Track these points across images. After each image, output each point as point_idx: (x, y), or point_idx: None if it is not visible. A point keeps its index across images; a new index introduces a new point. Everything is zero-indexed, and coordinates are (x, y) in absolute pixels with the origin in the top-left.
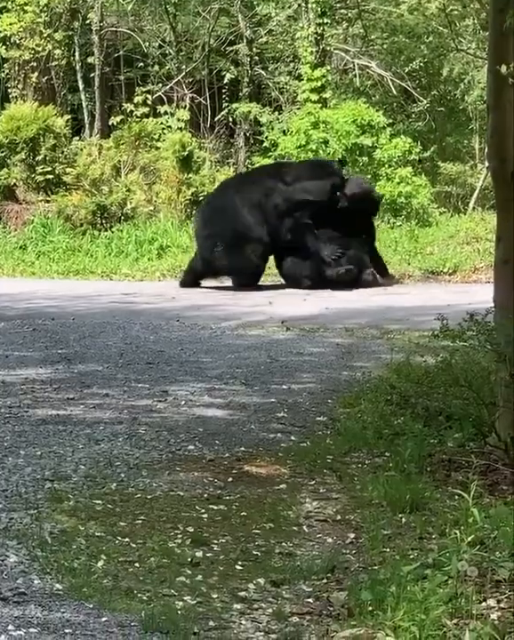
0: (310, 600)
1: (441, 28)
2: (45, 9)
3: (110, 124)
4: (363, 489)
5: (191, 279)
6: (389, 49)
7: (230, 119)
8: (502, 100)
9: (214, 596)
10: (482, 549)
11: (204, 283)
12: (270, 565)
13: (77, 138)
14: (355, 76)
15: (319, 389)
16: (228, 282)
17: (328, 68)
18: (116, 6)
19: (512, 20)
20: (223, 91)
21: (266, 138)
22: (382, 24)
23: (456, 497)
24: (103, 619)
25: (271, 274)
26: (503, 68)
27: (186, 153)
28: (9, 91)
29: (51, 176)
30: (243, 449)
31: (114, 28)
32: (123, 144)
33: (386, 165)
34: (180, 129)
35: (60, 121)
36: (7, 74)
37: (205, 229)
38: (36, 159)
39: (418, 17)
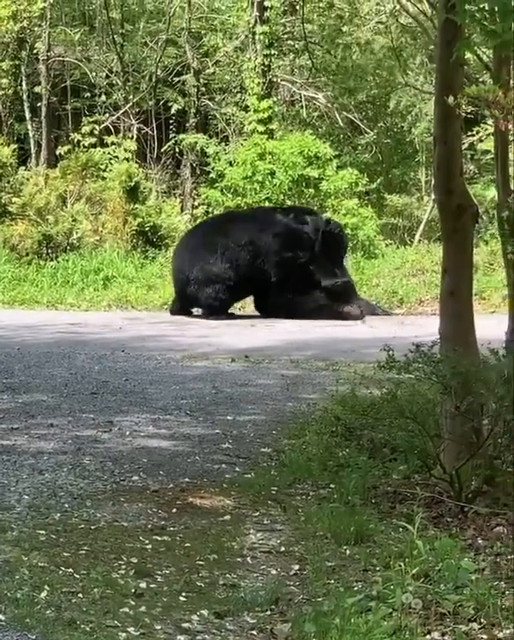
0: (254, 632)
1: (389, 61)
2: None
3: (57, 153)
4: (307, 521)
5: (179, 307)
6: (336, 80)
7: (177, 150)
8: (449, 133)
9: (158, 627)
10: (426, 582)
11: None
12: (214, 597)
13: (24, 167)
14: (302, 107)
15: (264, 421)
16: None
17: (275, 99)
18: (64, 36)
19: (460, 53)
20: (170, 121)
21: (212, 169)
22: (331, 64)
23: (401, 529)
24: None
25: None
26: (450, 99)
27: (132, 183)
28: None
29: None
30: (187, 480)
31: (61, 58)
32: (69, 174)
33: (332, 197)
34: (127, 159)
35: (7, 150)
36: None
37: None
38: None
39: (367, 56)
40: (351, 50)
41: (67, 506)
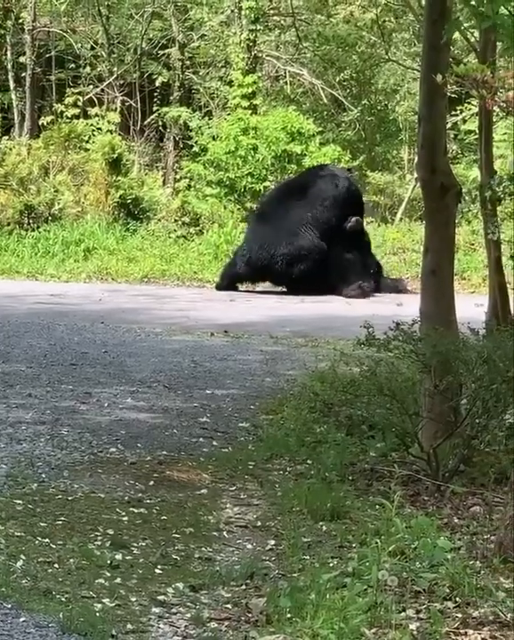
0: (229, 606)
1: (374, 39)
2: None
3: (40, 124)
4: (284, 496)
5: (228, 283)
6: (321, 57)
7: (160, 123)
8: (434, 111)
9: (133, 599)
10: (402, 559)
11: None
12: (190, 570)
13: (6, 137)
14: (286, 83)
15: (243, 395)
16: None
17: (259, 74)
18: (50, 6)
19: (449, 34)
20: (154, 94)
21: (195, 143)
22: (315, 34)
23: (377, 506)
24: (21, 619)
25: None
26: (438, 77)
27: (115, 155)
28: None
29: None
30: (165, 453)
31: (46, 29)
32: (52, 144)
33: None
34: (110, 131)
35: None
36: None
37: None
38: None
39: (351, 27)
40: (336, 24)
41: (44, 476)
